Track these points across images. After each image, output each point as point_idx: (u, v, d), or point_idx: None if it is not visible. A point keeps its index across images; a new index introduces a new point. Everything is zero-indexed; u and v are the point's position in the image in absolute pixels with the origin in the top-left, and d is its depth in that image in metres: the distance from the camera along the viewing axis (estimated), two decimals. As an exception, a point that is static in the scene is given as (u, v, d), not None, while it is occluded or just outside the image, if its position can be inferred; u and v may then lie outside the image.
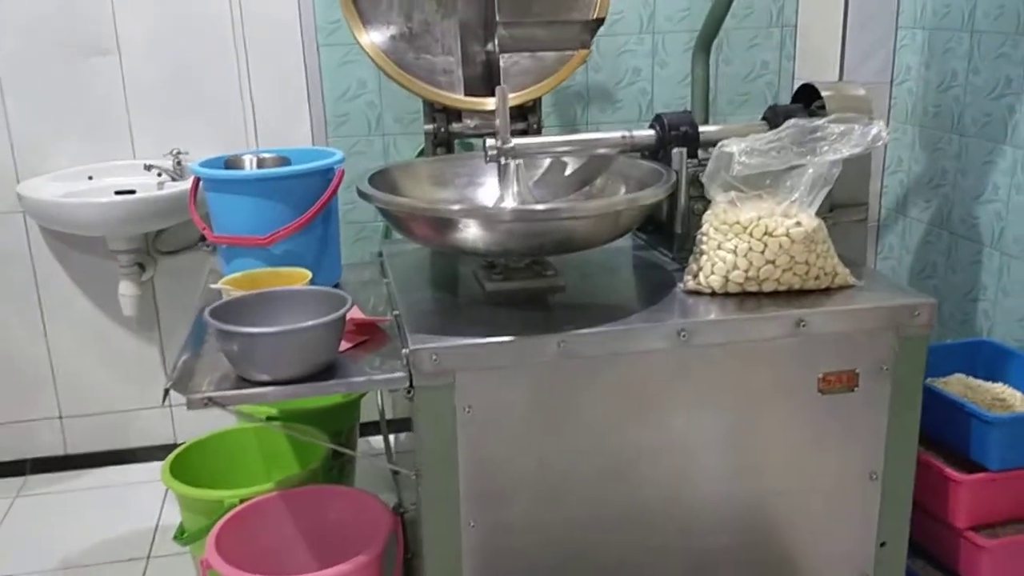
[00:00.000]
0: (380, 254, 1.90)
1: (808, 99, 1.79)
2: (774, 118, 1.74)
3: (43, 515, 2.22)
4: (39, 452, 2.39)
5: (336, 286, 1.76)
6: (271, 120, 2.27)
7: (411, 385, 1.35)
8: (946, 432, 1.63)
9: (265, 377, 1.32)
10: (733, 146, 1.46)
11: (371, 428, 2.33)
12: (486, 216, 1.41)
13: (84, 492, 2.32)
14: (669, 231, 1.69)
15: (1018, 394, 1.72)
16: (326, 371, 1.36)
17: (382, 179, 1.62)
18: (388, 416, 2.11)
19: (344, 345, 1.43)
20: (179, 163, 2.19)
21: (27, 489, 2.33)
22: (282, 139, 2.26)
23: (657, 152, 1.70)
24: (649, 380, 1.42)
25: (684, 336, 1.40)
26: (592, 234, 1.47)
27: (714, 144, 1.75)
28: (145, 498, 2.22)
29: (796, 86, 2.46)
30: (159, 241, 2.30)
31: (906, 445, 1.51)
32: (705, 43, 1.89)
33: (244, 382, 1.34)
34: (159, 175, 2.19)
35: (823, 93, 1.73)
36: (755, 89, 2.47)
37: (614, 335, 1.39)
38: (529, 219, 1.40)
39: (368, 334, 1.50)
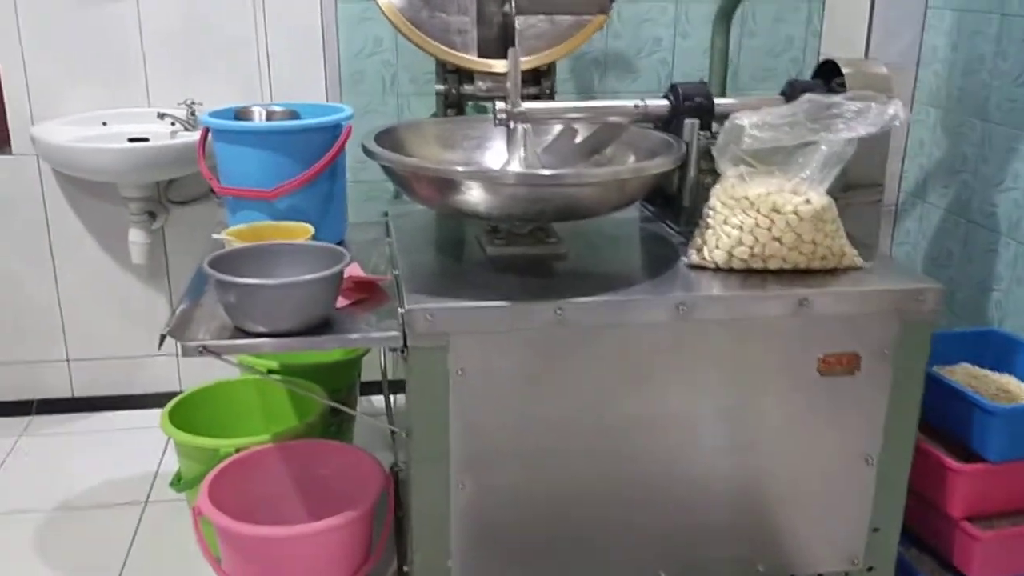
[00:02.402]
0: (386, 214, 1.89)
1: (829, 76, 1.75)
2: (792, 93, 1.70)
3: (46, 455, 2.25)
4: (46, 393, 2.42)
5: (340, 243, 1.76)
6: (286, 74, 2.25)
7: (405, 345, 1.35)
8: (947, 420, 1.61)
9: (261, 329, 1.32)
10: (745, 119, 1.43)
11: (375, 387, 2.35)
12: (489, 179, 1.39)
13: (87, 435, 2.35)
14: (677, 204, 1.67)
15: (1024, 386, 1.70)
16: (322, 326, 1.36)
17: (388, 138, 1.61)
18: (390, 376, 2.12)
19: (342, 302, 1.43)
20: (193, 113, 2.19)
21: (32, 429, 2.37)
22: (296, 94, 2.25)
23: (670, 123, 1.67)
24: (646, 353, 1.41)
25: (683, 310, 1.38)
26: (596, 202, 1.45)
27: (727, 117, 1.74)
28: (147, 444, 2.25)
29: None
30: (171, 190, 2.30)
31: (904, 431, 1.50)
32: (726, 12, 1.85)
33: (240, 333, 1.34)
34: (172, 124, 2.18)
35: (844, 70, 1.69)
36: (779, 65, 2.42)
37: (612, 305, 1.37)
38: (532, 184, 1.38)
39: (367, 292, 1.49)
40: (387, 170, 1.51)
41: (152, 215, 2.26)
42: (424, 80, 2.28)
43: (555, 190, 1.39)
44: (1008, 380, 1.71)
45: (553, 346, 1.38)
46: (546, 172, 1.39)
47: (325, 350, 1.80)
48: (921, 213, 2.24)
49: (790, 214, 1.42)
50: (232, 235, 1.55)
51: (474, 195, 1.39)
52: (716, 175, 1.57)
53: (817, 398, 1.47)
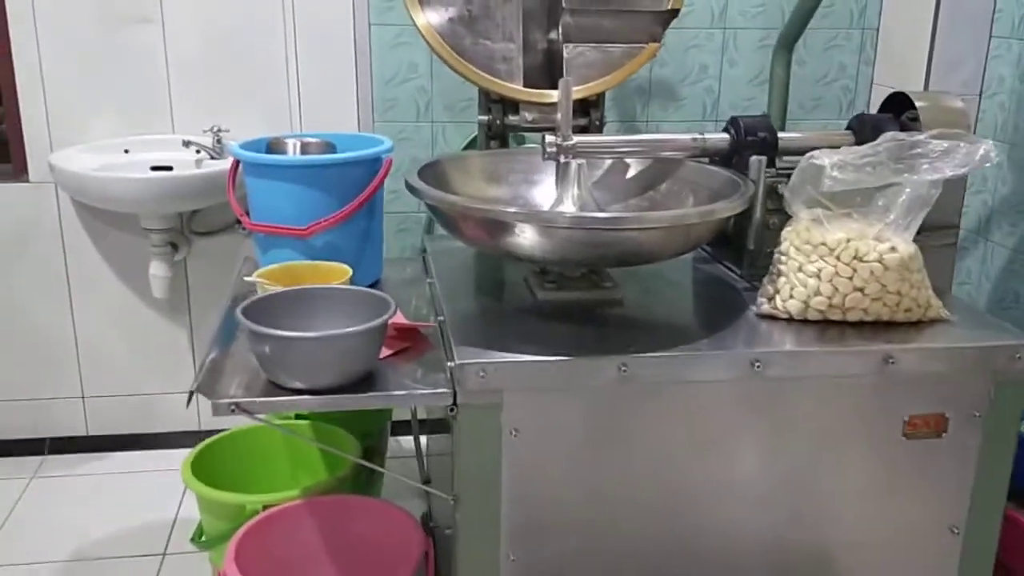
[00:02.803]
0: (424, 250, 1.79)
1: (897, 109, 1.64)
2: (861, 128, 1.60)
3: (59, 499, 2.14)
4: (59, 432, 2.30)
5: (376, 283, 1.66)
6: (317, 101, 2.16)
7: (455, 403, 1.23)
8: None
9: (298, 384, 1.21)
10: (824, 159, 1.31)
11: (403, 426, 2.23)
12: (544, 221, 1.27)
13: (103, 477, 2.23)
14: (737, 245, 1.56)
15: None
16: (364, 380, 1.25)
17: (432, 172, 1.51)
18: (421, 416, 2.00)
19: (384, 352, 1.32)
20: (219, 140, 2.09)
21: (45, 470, 2.25)
22: (327, 121, 2.15)
23: (730, 158, 1.57)
24: (716, 412, 1.29)
25: (759, 367, 1.26)
26: (660, 248, 1.34)
27: (791, 153, 1.62)
28: (165, 487, 2.13)
29: (873, 93, 2.32)
30: (194, 221, 2.20)
31: (993, 499, 1.37)
32: (789, 41, 1.74)
33: (275, 387, 1.23)
34: (198, 152, 2.09)
35: (917, 104, 1.58)
36: (829, 94, 2.31)
37: (681, 361, 1.25)
38: (592, 227, 1.27)
39: (409, 341, 1.38)
40: (432, 208, 1.40)
41: (174, 247, 2.16)
42: (459, 108, 2.18)
43: (618, 235, 1.27)
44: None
45: (616, 404, 1.27)
46: (607, 215, 1.28)
47: (369, 408, 1.67)
48: (984, 252, 2.12)
49: (874, 263, 1.30)
50: (265, 277, 1.44)
51: (528, 238, 1.28)
52: (781, 216, 1.47)
53: (900, 463, 1.35)
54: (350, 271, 1.46)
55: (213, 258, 2.22)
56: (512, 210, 1.26)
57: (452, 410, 1.24)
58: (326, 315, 1.30)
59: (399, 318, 1.40)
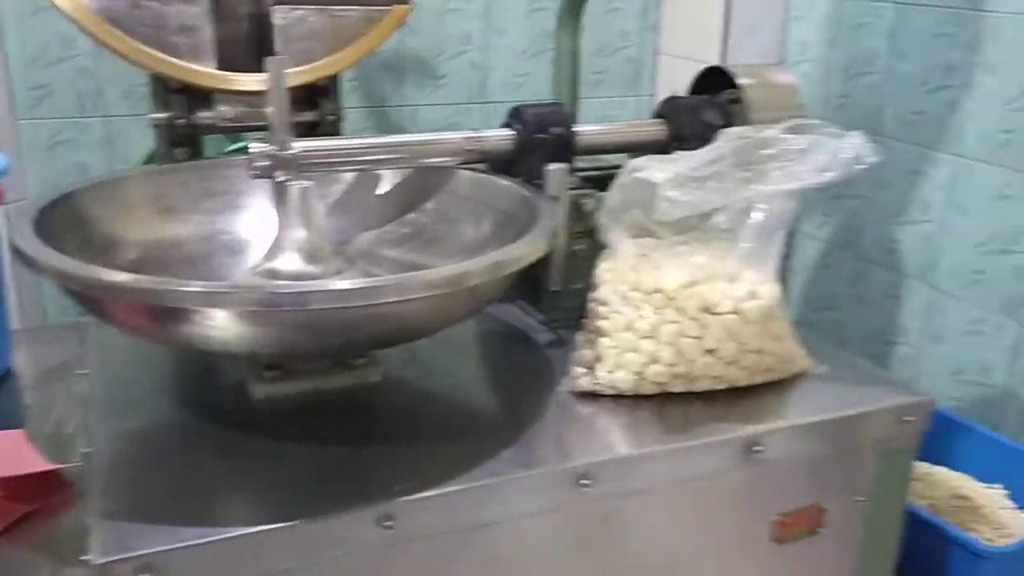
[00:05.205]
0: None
1: (717, 87, 1.28)
2: (675, 115, 1.23)
3: None
4: None
5: (2, 379, 1.08)
6: (-80, 91, 1.49)
7: (101, 626, 0.72)
8: (922, 565, 1.20)
9: None
10: (656, 172, 0.92)
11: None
12: (241, 304, 0.77)
13: None
14: (534, 278, 1.14)
15: (979, 486, 1.32)
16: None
17: (63, 214, 0.95)
18: None
19: (-18, 533, 0.78)
20: None
21: None
22: (-61, 121, 1.49)
23: (515, 161, 1.15)
24: (526, 556, 0.87)
25: (587, 486, 0.85)
26: (435, 319, 0.89)
27: (594, 152, 1.23)
28: None
29: (660, 64, 2.00)
30: None
31: (879, 595, 1.07)
32: (575, 3, 1.33)
33: None
34: None
35: (739, 81, 1.23)
36: (612, 66, 1.95)
37: (475, 497, 0.82)
38: (325, 306, 0.78)
39: (38, 497, 0.85)
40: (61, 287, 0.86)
41: None
42: (141, 95, 1.59)
43: (369, 312, 0.80)
44: (960, 480, 1.33)
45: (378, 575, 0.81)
46: (347, 286, 0.79)
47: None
48: (793, 245, 1.86)
49: (728, 315, 0.93)
50: None
51: (222, 329, 0.79)
52: (591, 240, 1.08)
53: (771, 573, 1.00)
54: (-69, 383, 0.89)
55: None
56: (183, 288, 0.75)
57: (99, 638, 0.73)
58: None
59: (21, 459, 0.86)
